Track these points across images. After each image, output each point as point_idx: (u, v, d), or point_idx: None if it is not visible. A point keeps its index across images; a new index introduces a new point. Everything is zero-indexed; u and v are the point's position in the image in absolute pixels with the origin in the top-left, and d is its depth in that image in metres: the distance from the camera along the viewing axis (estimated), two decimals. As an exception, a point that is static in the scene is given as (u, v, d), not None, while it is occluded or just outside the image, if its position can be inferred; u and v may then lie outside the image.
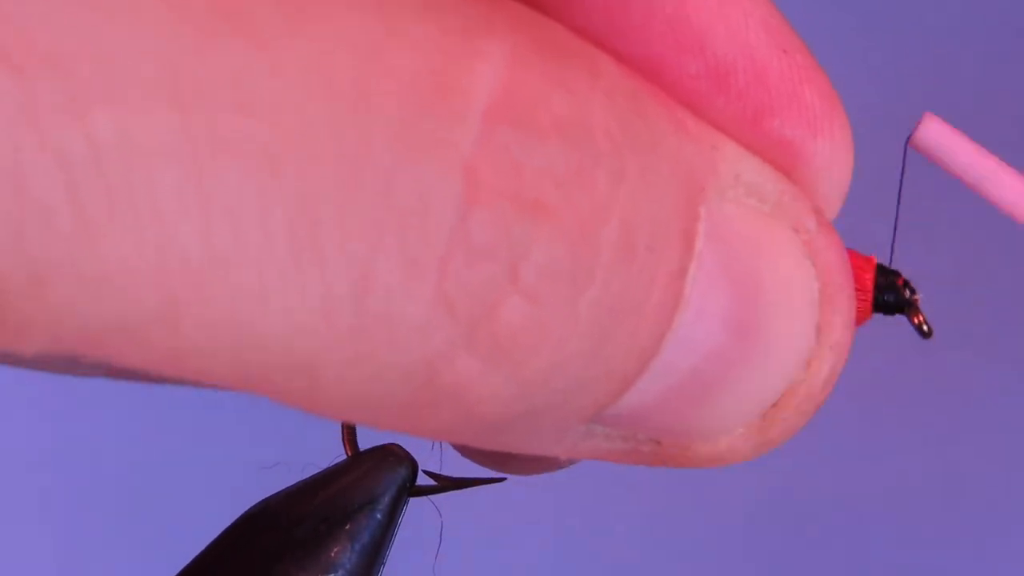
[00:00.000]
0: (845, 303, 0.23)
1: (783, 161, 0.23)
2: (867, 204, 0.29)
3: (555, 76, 0.19)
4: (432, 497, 0.30)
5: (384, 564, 0.28)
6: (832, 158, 0.24)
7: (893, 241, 0.27)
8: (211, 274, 0.17)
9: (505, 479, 0.30)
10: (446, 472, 0.30)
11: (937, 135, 0.26)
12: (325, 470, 0.29)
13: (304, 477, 0.29)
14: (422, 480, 0.29)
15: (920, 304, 0.26)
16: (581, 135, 0.19)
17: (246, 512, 0.29)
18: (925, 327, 0.26)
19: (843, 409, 0.61)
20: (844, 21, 0.72)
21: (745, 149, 0.22)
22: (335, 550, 0.28)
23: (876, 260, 0.25)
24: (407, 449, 0.29)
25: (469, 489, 0.30)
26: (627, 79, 0.20)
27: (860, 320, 0.25)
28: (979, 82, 0.71)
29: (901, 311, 0.26)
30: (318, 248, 0.17)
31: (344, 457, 0.30)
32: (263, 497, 0.29)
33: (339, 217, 0.17)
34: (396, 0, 0.18)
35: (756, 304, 0.22)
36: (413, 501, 0.29)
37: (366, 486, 0.28)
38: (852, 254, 0.25)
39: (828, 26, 0.71)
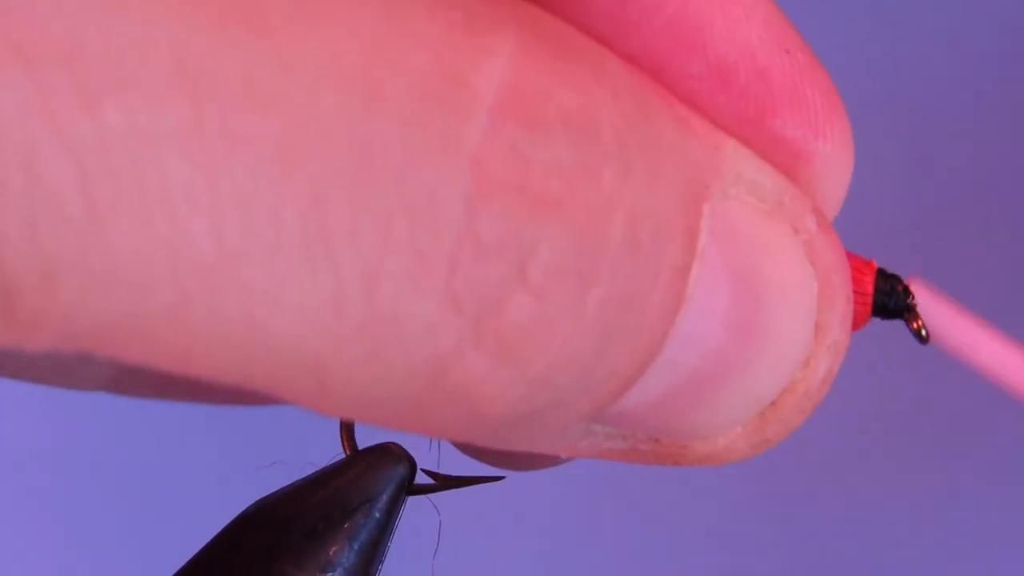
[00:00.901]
0: (843, 303, 0.23)
1: (784, 161, 0.23)
2: (866, 205, 0.29)
3: (561, 72, 0.19)
4: (431, 496, 0.29)
5: (382, 563, 0.28)
6: (833, 158, 0.24)
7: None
8: (222, 270, 0.17)
9: (504, 477, 0.30)
10: (444, 471, 0.30)
11: (922, 301, 0.26)
12: (323, 469, 0.29)
13: (302, 476, 0.29)
14: (420, 479, 0.29)
15: (919, 309, 0.26)
16: (588, 130, 0.19)
17: (243, 511, 0.29)
18: (924, 332, 0.26)
19: (840, 411, 0.61)
20: (841, 18, 0.72)
21: (747, 148, 0.22)
22: (333, 549, 0.27)
23: (876, 264, 0.26)
24: (405, 448, 0.29)
25: (468, 488, 0.30)
26: (632, 76, 0.20)
27: (858, 323, 0.25)
28: (979, 80, 0.71)
29: (900, 316, 0.26)
30: (329, 244, 0.17)
31: (342, 456, 0.30)
32: (261, 496, 0.29)
33: (350, 213, 0.17)
34: None
35: (757, 303, 0.22)
36: (412, 500, 0.29)
37: (364, 485, 0.28)
38: (852, 257, 0.25)
39: (826, 22, 0.71)
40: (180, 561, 0.29)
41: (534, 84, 0.19)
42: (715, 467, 0.24)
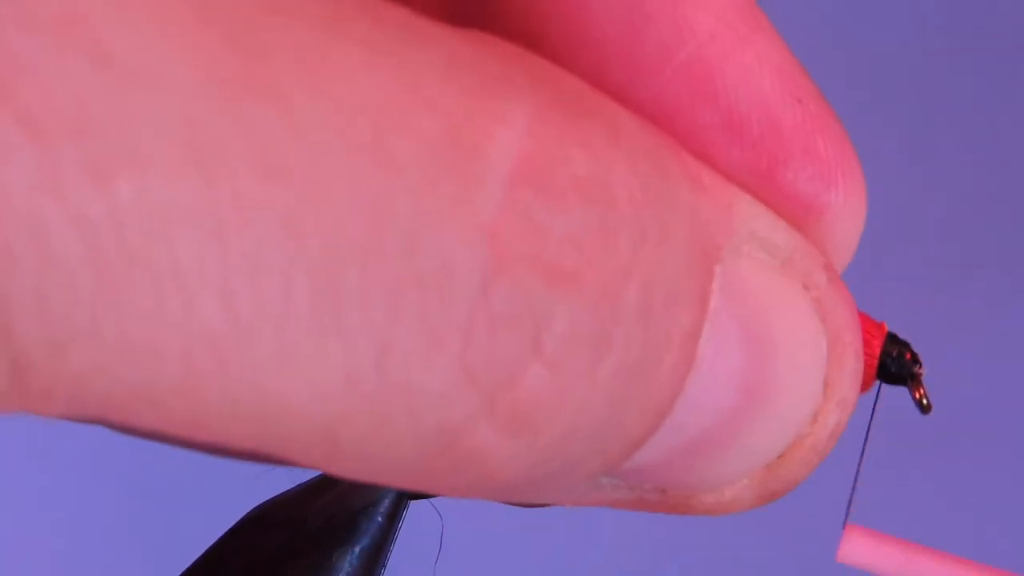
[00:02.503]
0: (852, 360, 0.23)
1: (795, 213, 0.23)
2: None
3: (576, 136, 0.19)
4: (433, 500, 0.29)
5: (385, 567, 0.28)
6: (844, 211, 0.23)
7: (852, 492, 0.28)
8: (232, 343, 0.16)
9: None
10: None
11: (862, 549, 0.27)
12: (326, 473, 0.29)
13: (305, 480, 0.29)
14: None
15: (923, 379, 0.26)
16: (602, 197, 0.19)
17: (246, 515, 0.29)
18: (925, 402, 0.26)
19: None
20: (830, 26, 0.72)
21: (758, 202, 0.22)
22: (336, 553, 0.27)
23: (887, 328, 0.26)
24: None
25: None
26: (646, 135, 0.20)
27: (864, 385, 0.25)
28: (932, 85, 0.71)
29: (903, 383, 0.26)
30: (340, 315, 0.17)
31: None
32: (263, 500, 0.29)
33: (361, 283, 0.17)
34: (416, 61, 0.17)
35: (766, 362, 0.22)
36: (414, 504, 0.29)
37: (366, 489, 0.28)
38: (863, 318, 0.25)
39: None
40: (184, 564, 0.29)
41: (548, 151, 0.18)
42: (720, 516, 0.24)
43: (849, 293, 0.23)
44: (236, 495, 0.34)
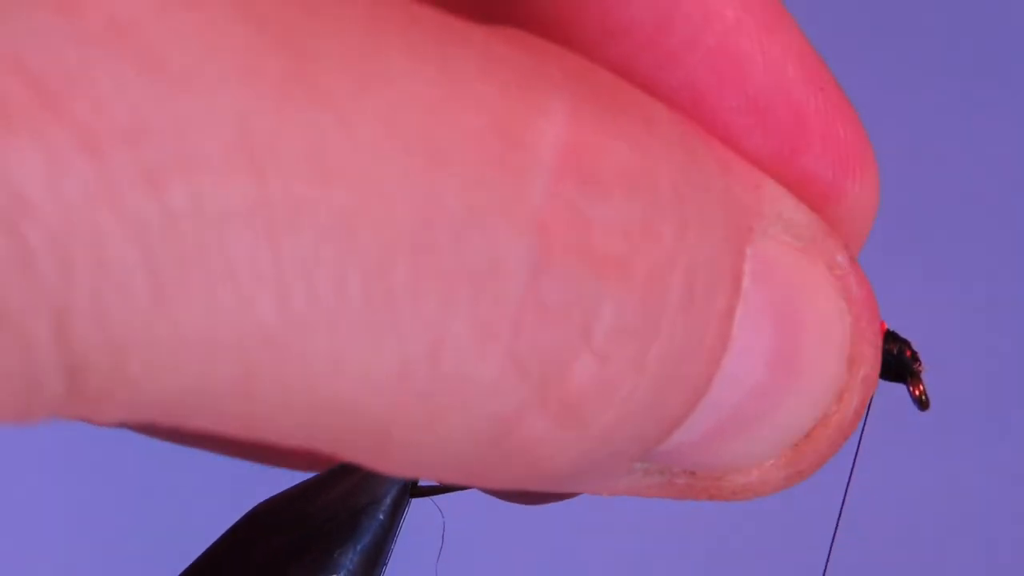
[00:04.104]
0: (874, 336, 0.23)
1: (814, 199, 0.23)
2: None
3: (614, 127, 0.19)
4: (434, 498, 0.29)
5: (386, 565, 0.28)
6: (861, 197, 0.24)
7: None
8: (286, 341, 0.17)
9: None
10: (448, 473, 0.30)
11: None
12: (327, 471, 0.29)
13: (306, 478, 0.29)
14: (424, 481, 0.29)
15: (922, 376, 0.26)
16: (645, 185, 0.19)
17: (248, 513, 0.29)
18: (924, 399, 0.26)
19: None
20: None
21: (782, 186, 0.22)
22: (337, 551, 0.27)
23: (886, 326, 0.26)
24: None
25: (471, 490, 0.30)
26: (680, 124, 0.20)
27: None
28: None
29: (902, 380, 0.26)
30: (393, 311, 0.17)
31: (346, 458, 0.30)
32: (265, 498, 0.29)
33: (413, 278, 0.17)
34: (455, 58, 0.18)
35: (795, 340, 0.22)
36: (415, 502, 0.29)
37: (368, 487, 0.28)
38: None
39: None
40: (185, 562, 0.29)
41: (591, 142, 0.18)
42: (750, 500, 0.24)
43: (864, 276, 0.23)
44: (236, 495, 0.34)
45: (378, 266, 0.17)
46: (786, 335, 0.22)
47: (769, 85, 0.23)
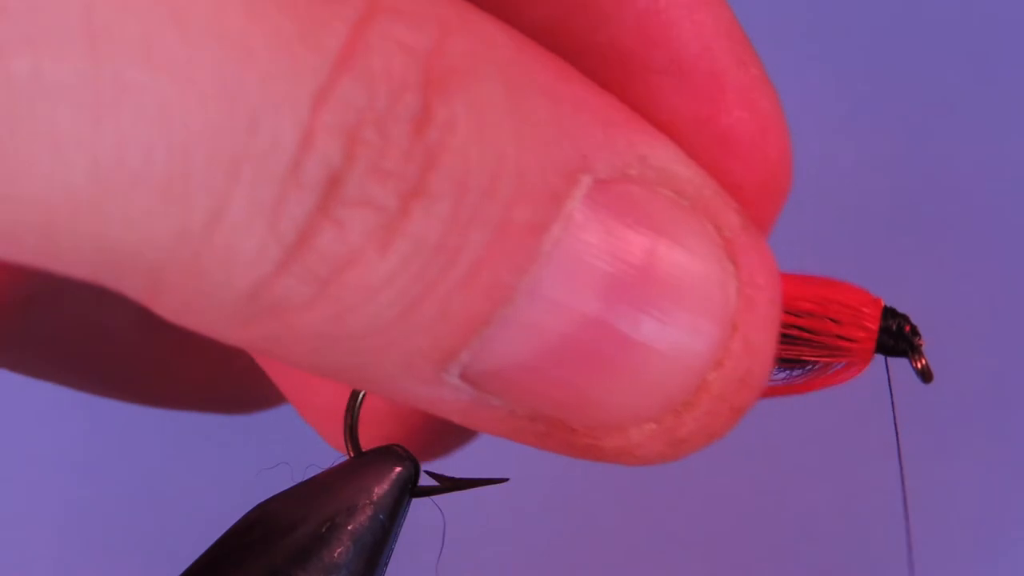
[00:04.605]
0: (765, 305, 0.23)
1: (725, 166, 0.24)
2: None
3: (401, 34, 0.21)
4: (434, 497, 0.29)
5: (386, 565, 0.28)
6: (774, 172, 0.25)
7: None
8: (89, 198, 0.19)
9: (507, 479, 0.30)
10: (448, 472, 0.30)
11: None
12: (327, 470, 0.29)
13: (306, 478, 0.29)
14: (424, 480, 0.29)
15: (924, 349, 0.26)
16: (413, 84, 0.21)
17: (248, 513, 0.29)
18: (927, 371, 0.26)
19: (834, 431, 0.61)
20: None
21: (672, 143, 0.23)
22: (337, 551, 0.27)
23: (884, 302, 0.26)
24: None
25: (471, 489, 0.30)
26: (518, 49, 0.22)
27: (864, 360, 0.25)
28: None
29: (904, 354, 0.26)
30: (187, 185, 0.20)
31: (346, 457, 0.30)
32: (265, 498, 0.29)
33: (210, 157, 0.20)
34: None
35: (650, 286, 0.22)
36: (415, 501, 0.29)
37: (368, 487, 0.28)
38: (860, 292, 0.25)
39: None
40: (185, 563, 0.29)
41: (372, 43, 0.21)
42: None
43: (766, 243, 0.23)
44: (236, 495, 0.34)
45: (182, 146, 0.20)
46: (635, 278, 0.22)
47: (694, 50, 0.24)
